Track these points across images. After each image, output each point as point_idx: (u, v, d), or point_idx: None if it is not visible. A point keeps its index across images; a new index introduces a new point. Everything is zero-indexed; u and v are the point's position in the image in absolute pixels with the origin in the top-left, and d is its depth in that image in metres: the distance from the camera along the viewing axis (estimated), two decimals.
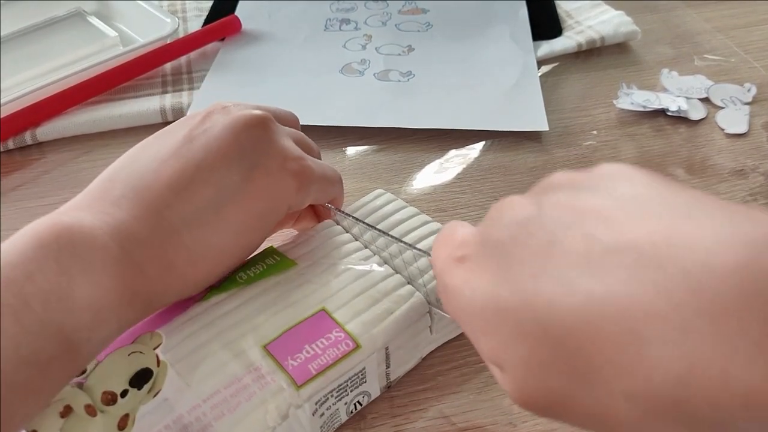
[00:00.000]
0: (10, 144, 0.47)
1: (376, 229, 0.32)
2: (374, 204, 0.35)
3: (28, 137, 0.47)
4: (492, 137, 0.47)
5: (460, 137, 0.47)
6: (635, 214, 0.19)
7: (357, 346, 0.27)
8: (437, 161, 0.46)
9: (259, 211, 0.29)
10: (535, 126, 0.47)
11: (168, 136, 0.29)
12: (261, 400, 0.26)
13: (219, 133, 0.29)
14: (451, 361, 0.33)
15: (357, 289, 0.30)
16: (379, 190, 0.36)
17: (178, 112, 0.49)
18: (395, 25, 0.59)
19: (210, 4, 0.62)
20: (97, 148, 0.48)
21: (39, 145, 0.48)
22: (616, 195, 0.20)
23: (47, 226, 0.24)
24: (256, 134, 0.29)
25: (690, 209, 0.18)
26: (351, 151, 0.47)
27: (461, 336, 0.34)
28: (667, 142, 0.47)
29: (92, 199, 0.26)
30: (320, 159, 0.34)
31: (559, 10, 0.60)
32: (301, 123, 0.48)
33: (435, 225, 0.33)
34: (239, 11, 0.60)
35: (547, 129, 0.47)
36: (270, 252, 0.32)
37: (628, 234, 0.18)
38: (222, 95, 0.50)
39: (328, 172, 0.33)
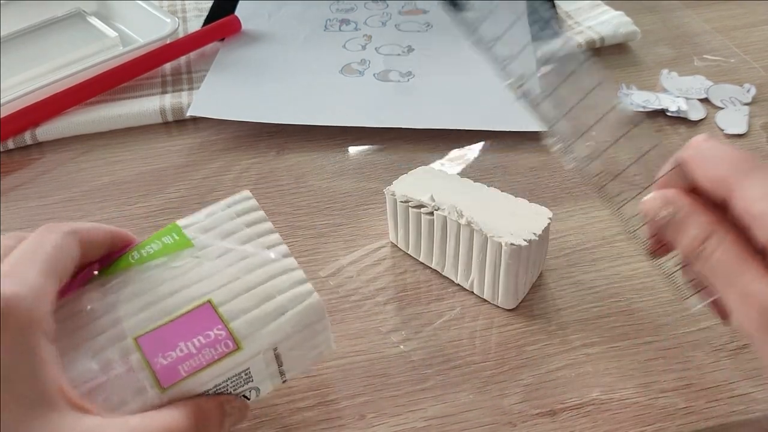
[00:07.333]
0: (10, 144, 0.47)
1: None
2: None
3: (28, 137, 0.47)
4: (492, 137, 0.47)
5: (460, 137, 0.47)
6: None
7: (237, 348, 0.25)
8: (437, 161, 0.46)
9: None
10: (535, 126, 0.47)
11: None
12: (121, 400, 0.24)
13: None
14: (451, 360, 0.33)
15: (251, 283, 0.27)
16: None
17: (178, 112, 0.49)
18: (395, 26, 0.59)
19: (210, 4, 0.62)
20: (97, 148, 0.48)
21: (39, 145, 0.48)
22: None
23: None
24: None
25: None
26: (351, 151, 0.47)
27: (461, 337, 0.34)
28: (667, 142, 0.47)
29: None
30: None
31: (559, 11, 0.60)
32: (301, 123, 0.49)
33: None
34: (239, 11, 0.60)
35: (547, 129, 0.47)
36: (171, 229, 0.29)
37: None
38: (222, 95, 0.51)
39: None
